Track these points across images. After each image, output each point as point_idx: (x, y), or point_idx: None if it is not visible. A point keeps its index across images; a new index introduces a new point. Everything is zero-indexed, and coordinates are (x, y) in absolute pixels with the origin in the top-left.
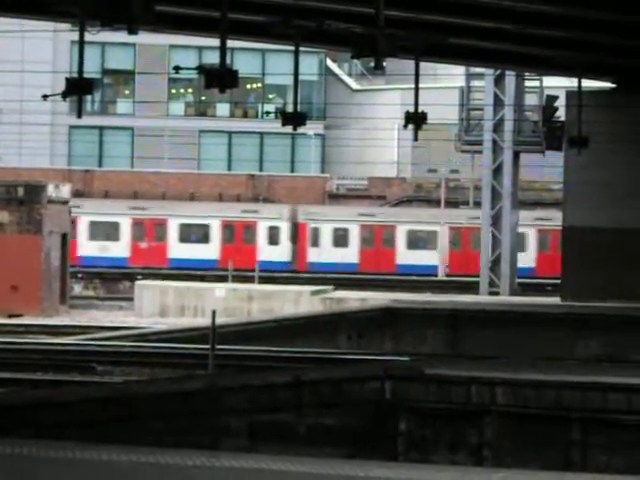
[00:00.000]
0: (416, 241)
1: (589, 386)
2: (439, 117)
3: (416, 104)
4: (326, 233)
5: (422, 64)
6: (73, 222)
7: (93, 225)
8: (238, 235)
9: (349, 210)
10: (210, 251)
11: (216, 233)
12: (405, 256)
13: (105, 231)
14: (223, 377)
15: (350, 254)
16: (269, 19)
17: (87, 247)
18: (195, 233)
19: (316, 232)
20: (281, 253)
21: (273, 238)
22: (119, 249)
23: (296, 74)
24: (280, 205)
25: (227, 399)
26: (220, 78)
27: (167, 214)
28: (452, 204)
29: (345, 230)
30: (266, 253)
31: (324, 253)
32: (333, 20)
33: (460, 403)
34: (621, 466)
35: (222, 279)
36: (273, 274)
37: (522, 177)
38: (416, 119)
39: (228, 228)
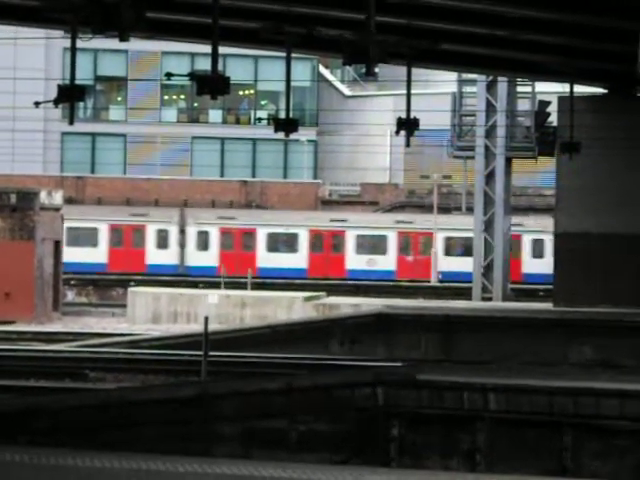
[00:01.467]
0: None
1: (582, 392)
2: (432, 123)
3: (408, 110)
4: None
5: (414, 70)
6: (340, 236)
7: (360, 239)
8: None
9: None
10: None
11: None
12: None
13: (372, 245)
14: (216, 384)
15: None
16: (260, 25)
17: (355, 261)
18: (461, 246)
19: None
20: (545, 266)
21: (537, 251)
22: (386, 262)
23: (288, 80)
24: (544, 217)
25: (220, 406)
26: (212, 84)
27: (434, 228)
28: (444, 210)
29: None
30: (530, 266)
31: None
32: (324, 26)
33: (452, 409)
34: (613, 472)
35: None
36: (273, 280)
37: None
38: (408, 125)
39: None
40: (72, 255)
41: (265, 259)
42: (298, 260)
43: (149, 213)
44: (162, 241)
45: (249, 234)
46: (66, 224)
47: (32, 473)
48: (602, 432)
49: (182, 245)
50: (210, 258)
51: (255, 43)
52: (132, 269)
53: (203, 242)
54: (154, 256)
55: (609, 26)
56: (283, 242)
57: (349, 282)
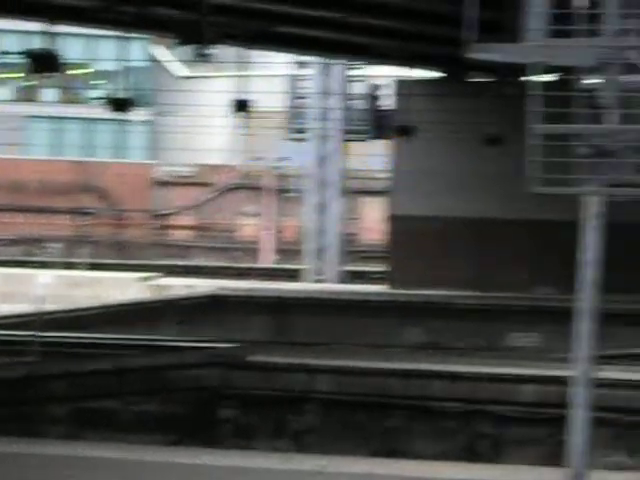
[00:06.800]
0: None
1: (412, 373)
2: (268, 105)
3: (242, 92)
4: None
5: (254, 52)
6: None
7: None
8: None
9: None
10: None
11: None
12: None
13: None
14: (46, 364)
15: None
16: (92, 4)
17: None
18: None
19: None
20: None
21: None
22: None
23: (122, 60)
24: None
25: (51, 386)
26: (46, 63)
27: None
28: (281, 192)
29: None
30: None
31: None
32: (159, 6)
33: (283, 390)
34: (443, 453)
35: None
36: (100, 261)
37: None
38: (243, 107)
39: None
40: None
41: None
42: None
43: None
44: None
45: None
46: None
47: None
48: (432, 413)
49: None
50: None
51: (89, 22)
52: None
53: None
54: None
55: (441, 10)
56: None
57: (182, 263)
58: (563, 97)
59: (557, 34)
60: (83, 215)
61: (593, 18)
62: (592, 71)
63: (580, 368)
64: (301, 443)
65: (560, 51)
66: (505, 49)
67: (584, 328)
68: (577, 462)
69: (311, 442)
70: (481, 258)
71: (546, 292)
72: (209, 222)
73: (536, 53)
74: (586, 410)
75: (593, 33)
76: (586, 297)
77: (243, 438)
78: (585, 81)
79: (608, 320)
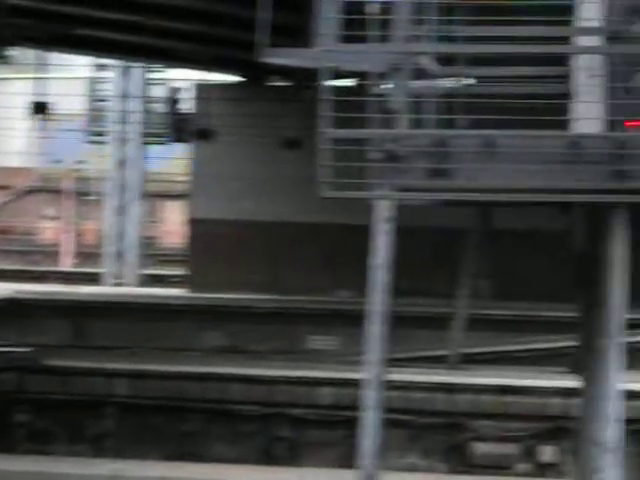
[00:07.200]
0: None
1: (210, 376)
2: (68, 107)
3: (41, 94)
4: None
5: (58, 54)
6: None
7: None
8: None
9: None
10: None
11: None
12: None
13: None
14: None
15: None
16: None
17: None
18: None
19: None
20: None
21: None
22: None
23: None
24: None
25: None
26: None
27: None
28: (81, 195)
29: None
30: None
31: None
32: None
33: (81, 394)
34: (241, 456)
35: None
36: None
37: (150, 169)
38: (42, 109)
39: None
40: None
41: None
42: None
43: None
44: None
45: None
46: None
47: None
48: (229, 416)
49: None
50: None
51: None
52: None
53: None
54: None
55: (238, 14)
56: None
57: None
58: (358, 102)
59: (350, 39)
60: None
61: (385, 24)
62: (383, 76)
63: (371, 371)
64: (99, 447)
65: (351, 56)
66: (297, 54)
67: (375, 331)
68: (368, 464)
69: (109, 446)
70: (281, 261)
71: (345, 295)
72: (8, 225)
73: (326, 58)
74: (377, 412)
75: (385, 39)
76: (377, 300)
77: (39, 443)
78: (381, 86)
79: (401, 323)
